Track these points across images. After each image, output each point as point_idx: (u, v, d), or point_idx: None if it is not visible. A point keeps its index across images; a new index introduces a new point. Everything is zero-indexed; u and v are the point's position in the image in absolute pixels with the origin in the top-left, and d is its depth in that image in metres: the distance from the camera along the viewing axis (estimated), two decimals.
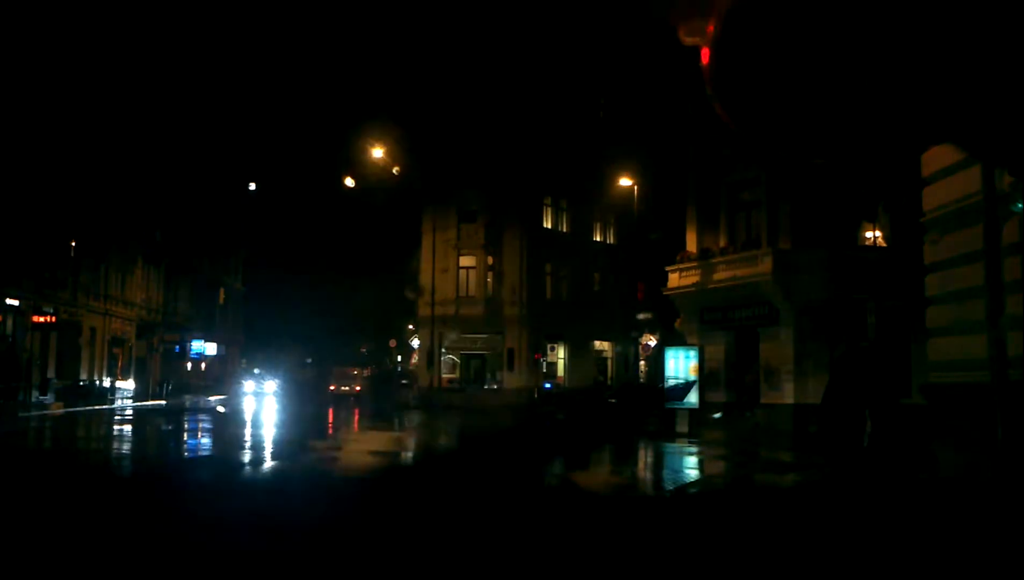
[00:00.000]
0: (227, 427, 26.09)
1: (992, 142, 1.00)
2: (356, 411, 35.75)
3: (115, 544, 4.14)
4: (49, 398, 33.06)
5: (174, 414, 30.63)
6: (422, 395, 39.30)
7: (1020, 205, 8.96)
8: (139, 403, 36.97)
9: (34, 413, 28.87)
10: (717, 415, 23.69)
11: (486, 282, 41.21)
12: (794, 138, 1.01)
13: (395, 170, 37.12)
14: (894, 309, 20.08)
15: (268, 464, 15.06)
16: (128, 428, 26.21)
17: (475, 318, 40.87)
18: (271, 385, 53.30)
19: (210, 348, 54.01)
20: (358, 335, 78.37)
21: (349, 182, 37.79)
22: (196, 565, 3.52)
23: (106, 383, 39.52)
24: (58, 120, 32.54)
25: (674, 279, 27.43)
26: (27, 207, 32.69)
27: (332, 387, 46.49)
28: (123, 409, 33.87)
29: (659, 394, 24.65)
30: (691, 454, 18.91)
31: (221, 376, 51.99)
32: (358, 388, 45.11)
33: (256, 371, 56.72)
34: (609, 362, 47.27)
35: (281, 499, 8.62)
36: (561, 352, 44.75)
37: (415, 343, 48.51)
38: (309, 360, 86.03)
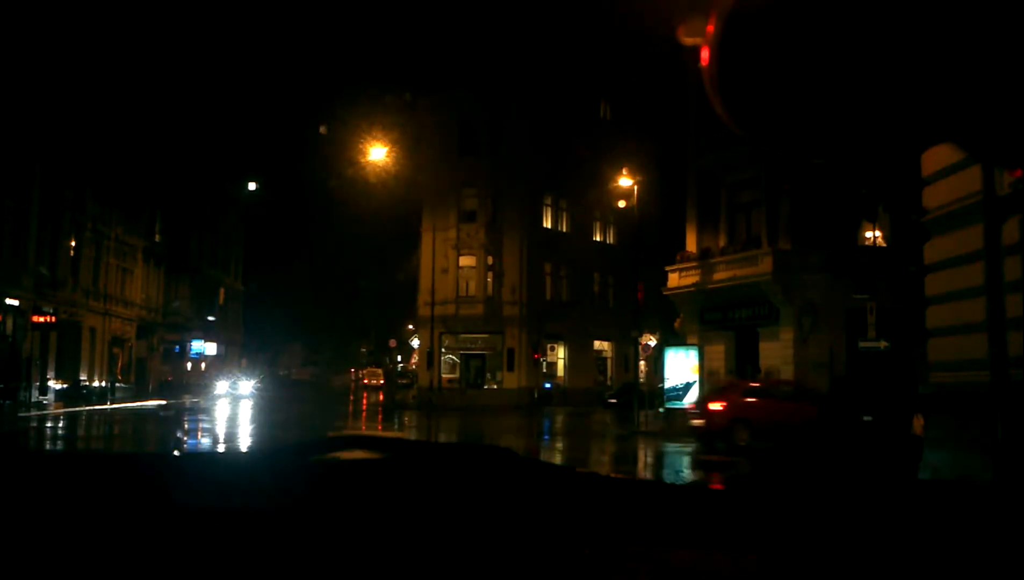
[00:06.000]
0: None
1: (992, 142, 1.00)
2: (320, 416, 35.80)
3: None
4: (49, 398, 33.04)
5: (142, 417, 30.64)
6: (422, 395, 39.31)
7: None
8: (137, 404, 36.94)
9: (34, 413, 28.87)
10: None
11: (486, 282, 41.19)
12: (794, 138, 1.00)
13: (394, 169, 37.17)
14: (894, 309, 20.08)
15: None
16: (120, 429, 26.25)
17: (475, 318, 40.85)
18: (247, 386, 51.48)
19: (210, 348, 53.99)
20: (358, 335, 78.56)
21: (336, 179, 37.84)
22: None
23: (106, 383, 39.51)
24: (59, 118, 32.53)
25: (674, 279, 27.43)
26: (26, 206, 32.69)
27: (365, 380, 61.91)
28: (122, 410, 33.86)
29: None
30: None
31: (218, 376, 51.80)
32: (382, 381, 59.72)
33: (225, 372, 53.81)
34: (609, 362, 47.27)
35: None
36: (561, 352, 44.75)
37: (415, 343, 48.54)
38: (293, 365, 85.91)
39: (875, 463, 14.42)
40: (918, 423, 13.15)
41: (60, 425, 25.92)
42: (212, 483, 1.79)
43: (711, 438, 17.88)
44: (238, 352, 64.69)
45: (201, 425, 26.91)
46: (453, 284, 41.10)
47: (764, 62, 0.93)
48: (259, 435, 23.32)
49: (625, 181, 29.39)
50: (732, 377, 24.96)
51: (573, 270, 44.56)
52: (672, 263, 27.80)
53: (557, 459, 18.08)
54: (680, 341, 27.14)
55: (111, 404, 35.15)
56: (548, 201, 44.34)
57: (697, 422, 18.37)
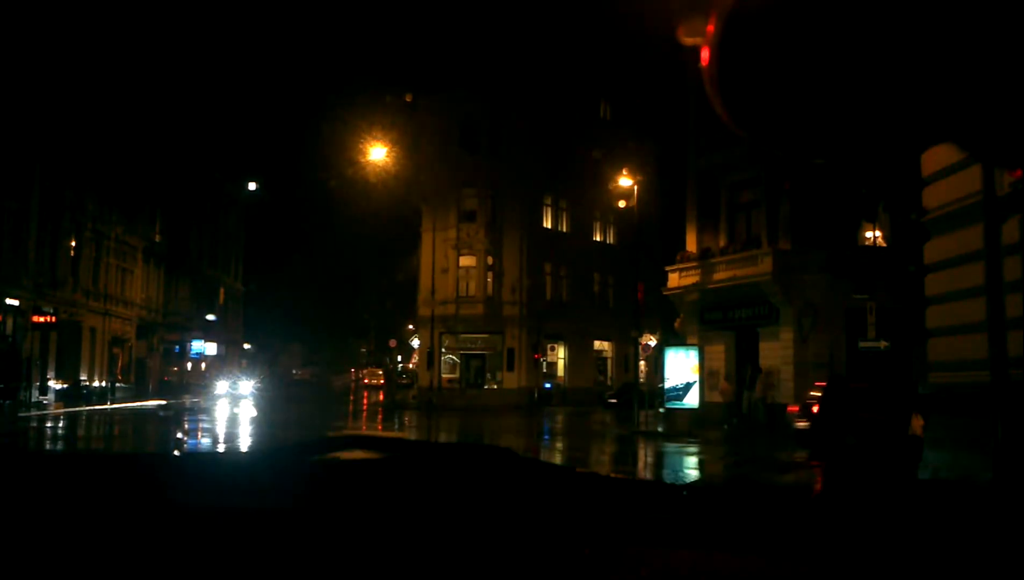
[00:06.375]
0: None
1: (992, 142, 1.00)
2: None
3: None
4: (49, 398, 33.05)
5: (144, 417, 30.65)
6: (422, 395, 39.33)
7: None
8: (137, 404, 36.94)
9: (34, 413, 28.88)
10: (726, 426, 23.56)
11: (486, 282, 41.18)
12: (794, 138, 1.00)
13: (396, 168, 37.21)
14: (894, 309, 20.08)
15: None
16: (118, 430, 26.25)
17: (475, 318, 40.85)
18: (247, 386, 51.99)
19: (210, 348, 53.99)
20: (358, 335, 78.56)
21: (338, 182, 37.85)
22: None
23: (106, 383, 39.53)
24: (59, 118, 32.53)
25: (674, 279, 27.42)
26: (26, 206, 32.69)
27: (366, 380, 64.52)
28: (122, 410, 33.89)
29: None
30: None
31: (218, 376, 51.94)
32: (382, 381, 61.59)
33: (228, 372, 54.67)
34: (609, 362, 47.28)
35: None
36: (561, 352, 44.75)
37: (415, 343, 48.55)
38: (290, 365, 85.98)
39: (873, 462, 14.40)
40: (917, 423, 13.15)
41: (60, 425, 25.93)
42: (212, 483, 1.79)
43: (817, 441, 17.15)
44: (238, 352, 64.72)
45: (201, 425, 26.92)
46: (453, 284, 41.09)
47: (764, 62, 0.93)
48: (259, 435, 23.32)
49: (625, 181, 29.39)
50: (728, 383, 24.94)
51: (573, 270, 44.57)
52: (672, 263, 27.79)
53: (557, 459, 18.08)
54: (680, 341, 27.12)
55: (111, 404, 35.17)
56: (548, 201, 44.34)
57: (801, 424, 17.56)
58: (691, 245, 27.45)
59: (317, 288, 73.98)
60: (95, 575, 1.30)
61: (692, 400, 22.74)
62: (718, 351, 25.84)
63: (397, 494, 1.67)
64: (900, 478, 11.94)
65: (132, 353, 44.89)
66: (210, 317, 54.10)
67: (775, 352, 23.99)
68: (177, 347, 50.30)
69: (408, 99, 42.53)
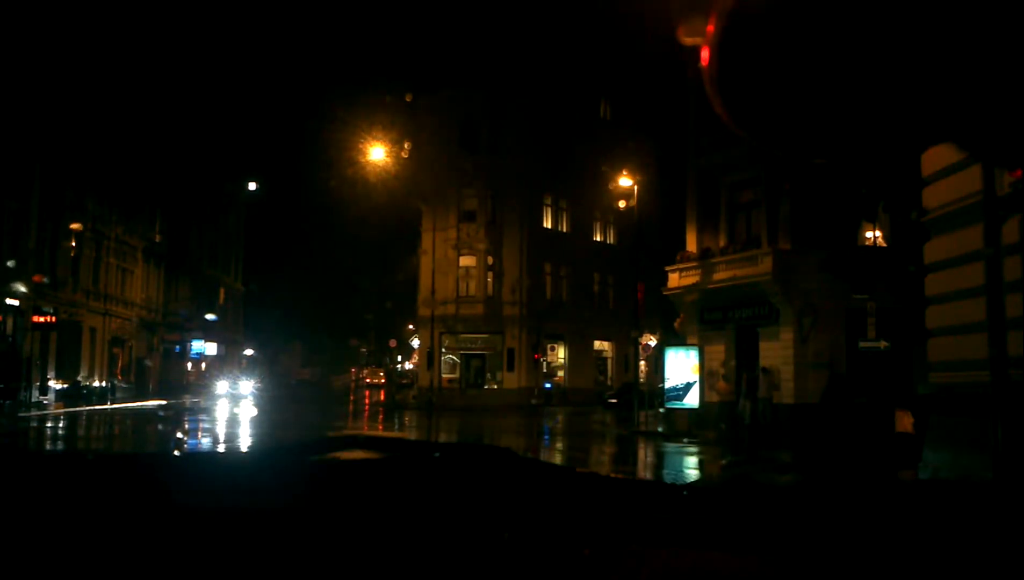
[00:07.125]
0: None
1: (992, 142, 1.00)
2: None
3: None
4: (49, 398, 33.04)
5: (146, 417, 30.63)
6: (422, 395, 39.32)
7: None
8: (137, 404, 36.92)
9: (34, 413, 28.88)
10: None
11: (486, 282, 41.18)
12: (794, 138, 1.00)
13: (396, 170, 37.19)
14: (894, 309, 20.07)
15: None
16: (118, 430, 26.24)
17: (475, 318, 40.85)
18: (247, 386, 52.11)
19: (210, 348, 54.00)
20: (358, 335, 78.52)
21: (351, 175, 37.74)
22: None
23: (106, 383, 39.52)
24: (59, 118, 32.52)
25: (674, 279, 27.40)
26: (26, 207, 32.68)
27: (366, 380, 66.29)
28: (122, 410, 33.88)
29: None
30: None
31: (218, 375, 51.97)
32: (383, 380, 63.57)
33: (228, 372, 54.94)
34: (609, 362, 47.27)
35: None
36: (561, 352, 44.74)
37: (415, 343, 48.55)
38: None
39: (868, 459, 14.38)
40: (906, 421, 13.10)
41: (60, 425, 25.93)
42: (212, 483, 1.79)
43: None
44: (238, 352, 64.71)
45: (201, 425, 26.90)
46: (453, 284, 41.09)
47: (764, 62, 0.93)
48: (259, 435, 23.32)
49: (625, 181, 29.41)
50: (726, 383, 24.89)
51: (573, 270, 44.57)
52: (672, 263, 27.76)
53: (557, 459, 18.08)
54: (680, 341, 27.11)
55: (111, 404, 35.16)
56: (548, 201, 44.34)
57: None
58: (691, 245, 27.43)
59: (317, 288, 73.97)
60: (97, 575, 1.30)
61: (692, 400, 22.75)
62: (718, 351, 25.81)
63: (397, 494, 1.67)
64: (889, 476, 11.95)
65: (132, 353, 44.88)
66: (210, 317, 54.12)
67: (775, 352, 23.97)
68: (177, 347, 50.30)
69: (408, 99, 42.54)
